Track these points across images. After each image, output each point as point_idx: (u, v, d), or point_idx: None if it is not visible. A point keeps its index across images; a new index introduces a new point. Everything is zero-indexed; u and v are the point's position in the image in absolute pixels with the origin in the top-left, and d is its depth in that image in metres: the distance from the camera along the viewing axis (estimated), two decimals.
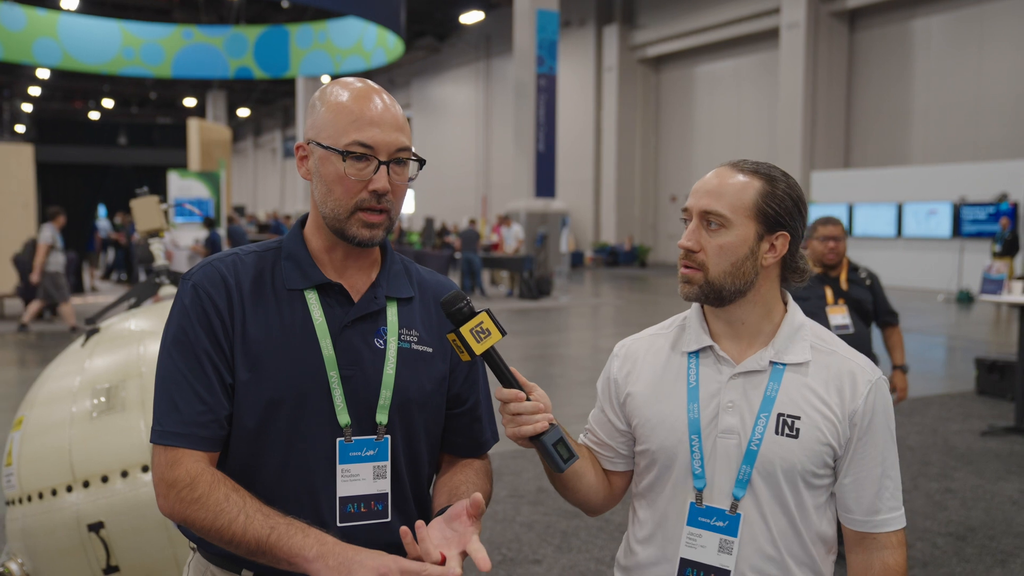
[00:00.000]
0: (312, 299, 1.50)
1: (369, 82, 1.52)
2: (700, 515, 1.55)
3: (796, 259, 1.58)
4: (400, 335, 1.55)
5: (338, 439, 1.48)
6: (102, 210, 25.62)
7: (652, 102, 30.25)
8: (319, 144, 1.48)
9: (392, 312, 1.56)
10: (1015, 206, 17.25)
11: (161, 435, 1.42)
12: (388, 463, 1.52)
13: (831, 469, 1.54)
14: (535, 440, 1.49)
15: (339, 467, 1.48)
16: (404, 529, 1.36)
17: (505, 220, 19.30)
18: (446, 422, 1.65)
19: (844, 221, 20.84)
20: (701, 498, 1.55)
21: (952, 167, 19.37)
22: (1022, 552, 4.40)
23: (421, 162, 1.52)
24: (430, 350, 1.58)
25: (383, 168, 1.45)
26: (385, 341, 1.53)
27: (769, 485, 1.51)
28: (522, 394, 1.49)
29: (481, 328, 1.45)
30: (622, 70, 29.49)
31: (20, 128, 43.14)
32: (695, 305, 1.63)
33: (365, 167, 1.45)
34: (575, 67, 30.46)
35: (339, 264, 1.54)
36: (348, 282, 1.54)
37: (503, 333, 1.46)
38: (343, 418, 1.48)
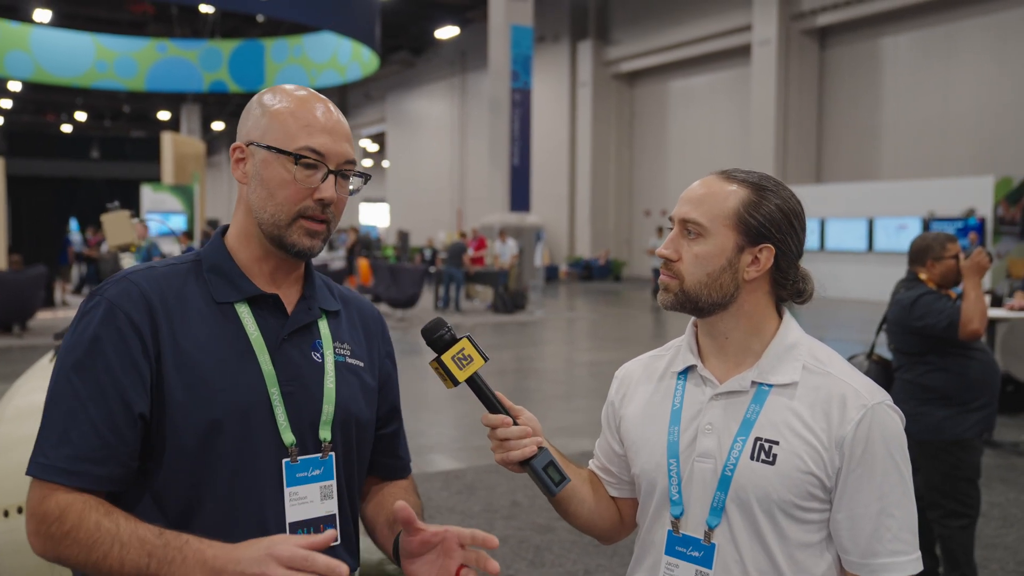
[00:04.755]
0: (244, 312, 1.41)
1: (313, 90, 1.47)
2: (677, 544, 1.48)
3: (790, 276, 1.49)
4: (335, 348, 1.49)
5: (284, 460, 1.38)
6: (74, 224, 25.33)
7: (626, 117, 30.46)
8: (263, 146, 1.40)
9: (324, 325, 1.49)
10: (983, 221, 17.53)
11: (44, 468, 1.27)
12: (334, 482, 1.44)
13: (822, 502, 1.41)
14: (525, 465, 1.46)
15: (287, 490, 1.38)
16: (402, 504, 1.31)
17: (501, 234, 19.29)
18: (376, 442, 1.59)
19: (815, 236, 21.09)
20: (678, 526, 1.48)
21: (921, 183, 19.66)
22: (991, 563, 4.46)
23: (366, 178, 1.47)
24: (362, 364, 1.53)
25: (331, 177, 1.40)
26: (322, 354, 1.46)
27: (743, 514, 1.42)
28: (509, 419, 1.46)
29: (463, 355, 1.42)
30: (596, 85, 29.69)
31: None
32: (689, 325, 1.57)
33: (313, 174, 1.39)
34: (550, 82, 30.62)
35: (269, 276, 1.45)
36: (280, 294, 1.46)
37: (485, 359, 1.44)
38: (287, 437, 1.38)
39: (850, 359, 4.05)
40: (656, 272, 1.64)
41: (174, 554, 1.22)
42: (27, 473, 1.29)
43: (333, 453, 1.44)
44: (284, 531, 1.37)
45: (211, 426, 1.34)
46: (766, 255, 1.46)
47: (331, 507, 1.43)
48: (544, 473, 1.46)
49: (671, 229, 1.51)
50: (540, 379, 10.54)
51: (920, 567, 1.41)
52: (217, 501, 1.35)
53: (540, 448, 1.47)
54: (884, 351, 4.13)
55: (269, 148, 1.39)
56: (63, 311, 16.67)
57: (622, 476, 1.66)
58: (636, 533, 1.64)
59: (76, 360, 1.32)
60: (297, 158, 1.38)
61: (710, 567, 1.44)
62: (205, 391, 1.34)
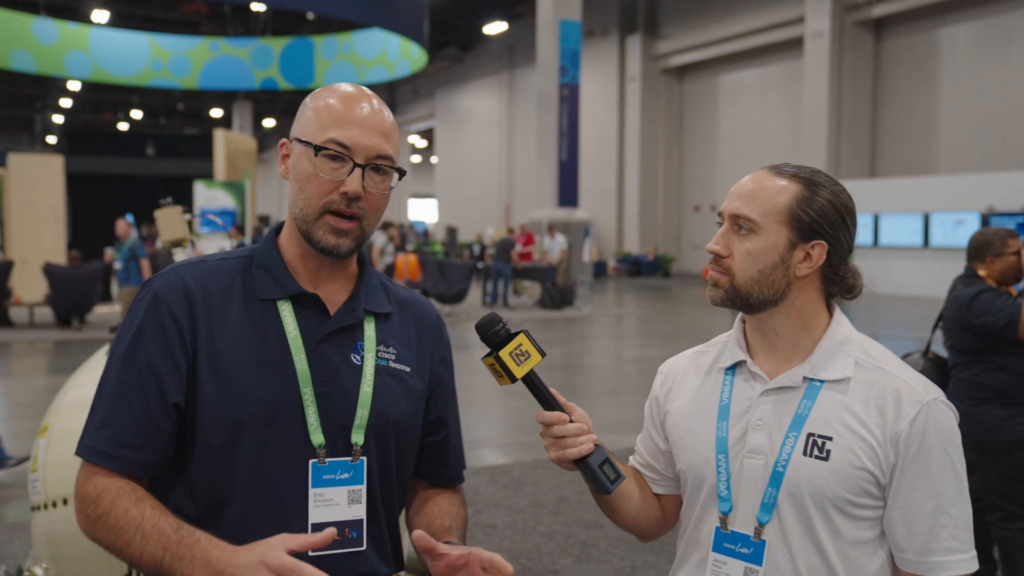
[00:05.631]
0: (286, 311, 1.41)
1: (363, 88, 1.45)
2: (725, 540, 1.45)
3: (841, 272, 1.46)
4: (378, 352, 1.46)
5: (311, 460, 1.37)
6: (130, 219, 25.97)
7: (675, 111, 30.19)
8: (298, 140, 1.41)
9: (370, 327, 1.47)
10: None
11: (87, 450, 1.33)
12: (364, 487, 1.42)
13: (875, 498, 1.39)
14: (580, 463, 1.43)
15: (312, 491, 1.37)
16: (420, 533, 1.30)
17: (550, 230, 19.29)
18: (423, 449, 1.56)
19: (869, 231, 20.69)
20: (726, 522, 1.45)
21: (980, 176, 19.17)
22: None
23: (401, 173, 1.44)
24: (408, 369, 1.49)
25: (357, 171, 1.37)
26: (362, 357, 1.44)
27: (796, 510, 1.39)
28: (565, 416, 1.43)
29: (520, 351, 1.39)
30: (645, 80, 29.47)
31: (51, 139, 43.81)
32: (737, 319, 1.55)
33: (339, 167, 1.37)
34: (598, 77, 30.48)
35: (314, 274, 1.45)
36: (324, 294, 1.45)
37: (543, 355, 1.41)
38: (317, 438, 1.38)
39: (904, 357, 3.95)
40: None
41: (185, 551, 1.23)
42: (75, 453, 1.35)
43: (365, 457, 1.42)
44: (306, 531, 1.35)
45: (238, 422, 1.35)
46: (818, 251, 1.43)
47: (359, 512, 1.41)
48: (600, 471, 1.43)
49: (720, 224, 1.49)
50: (588, 375, 10.50)
51: (976, 566, 1.38)
52: (242, 497, 1.36)
53: (596, 445, 1.44)
54: (940, 349, 4.02)
55: (300, 141, 1.40)
56: (120, 305, 17.05)
57: (666, 472, 1.64)
58: (679, 530, 1.62)
59: (122, 349, 1.37)
60: (318, 150, 1.37)
61: (760, 564, 1.42)
62: (235, 388, 1.35)
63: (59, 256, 14.49)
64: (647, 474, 1.66)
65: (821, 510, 1.38)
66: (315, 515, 1.37)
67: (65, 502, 2.70)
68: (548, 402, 1.45)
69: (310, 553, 1.29)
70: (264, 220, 28.22)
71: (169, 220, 3.97)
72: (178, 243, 3.95)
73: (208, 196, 17.63)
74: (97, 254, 16.76)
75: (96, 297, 14.20)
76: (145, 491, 1.33)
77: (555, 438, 1.44)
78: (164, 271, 1.43)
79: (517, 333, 1.41)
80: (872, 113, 23.33)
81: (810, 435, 1.40)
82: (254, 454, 1.36)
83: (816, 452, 1.39)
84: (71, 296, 13.30)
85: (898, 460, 1.37)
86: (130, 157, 32.94)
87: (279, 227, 1.50)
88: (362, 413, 1.42)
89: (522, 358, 1.40)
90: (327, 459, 1.39)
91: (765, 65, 26.46)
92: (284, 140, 1.46)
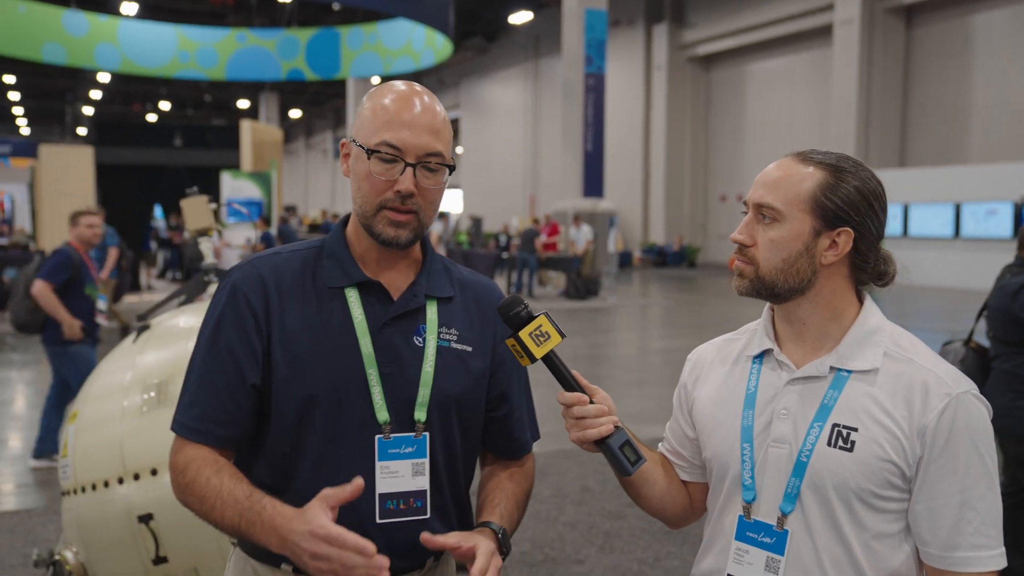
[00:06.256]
0: (352, 297, 1.52)
1: (416, 85, 1.53)
2: (748, 529, 1.45)
3: (870, 259, 1.44)
4: (439, 333, 1.55)
5: (377, 436, 1.49)
6: (158, 210, 26.17)
7: (702, 101, 29.96)
8: (355, 142, 1.50)
9: (432, 310, 1.56)
10: None
11: (178, 425, 1.49)
12: (427, 460, 1.52)
13: (901, 491, 1.37)
14: (601, 444, 1.45)
15: (378, 464, 1.49)
16: (426, 536, 1.43)
17: (576, 220, 19.26)
18: (489, 423, 1.65)
19: (898, 221, 20.44)
20: (750, 511, 1.45)
21: (1013, 166, 18.86)
22: None
23: (451, 168, 1.52)
24: (470, 349, 1.58)
25: (409, 170, 1.46)
26: (424, 339, 1.53)
27: (819, 501, 1.38)
28: (585, 397, 1.45)
29: (540, 332, 1.43)
30: (671, 69, 29.26)
31: (82, 130, 44.29)
32: (765, 308, 1.54)
33: (392, 168, 1.46)
34: (624, 66, 30.30)
35: (378, 263, 1.55)
36: (387, 280, 1.55)
37: (563, 336, 1.44)
38: (382, 415, 1.49)
39: (946, 345, 3.88)
40: None
41: (255, 517, 1.36)
42: (170, 428, 1.51)
43: (428, 433, 1.52)
44: (373, 500, 1.48)
45: (308, 400, 1.47)
46: (844, 239, 1.41)
47: (422, 483, 1.52)
48: (620, 452, 1.44)
49: (745, 213, 1.47)
50: (613, 365, 10.48)
51: (1004, 563, 1.35)
52: (311, 467, 1.48)
53: (616, 427, 1.45)
54: (984, 338, 3.94)
55: (356, 144, 1.50)
56: (148, 295, 17.24)
57: (693, 460, 1.63)
58: (705, 519, 1.61)
59: (206, 336, 1.52)
60: (371, 153, 1.46)
61: (782, 554, 1.41)
62: (305, 368, 1.48)
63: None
64: (675, 461, 1.66)
65: (844, 501, 1.37)
66: (381, 486, 1.49)
67: (94, 487, 2.73)
68: (569, 383, 1.46)
69: (378, 520, 1.47)
70: (290, 210, 28.43)
71: (195, 209, 4.00)
72: (204, 232, 3.98)
73: (235, 187, 17.73)
74: (126, 243, 16.91)
75: (126, 286, 14.35)
76: (226, 461, 1.47)
77: (575, 419, 1.45)
78: (241, 263, 1.56)
79: (538, 315, 1.45)
80: (902, 101, 23.01)
81: (835, 425, 1.38)
82: (324, 429, 1.48)
83: (840, 443, 1.37)
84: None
85: (924, 453, 1.34)
86: (158, 148, 33.21)
87: (346, 219, 1.61)
88: (424, 392, 1.52)
89: (542, 339, 1.43)
90: (392, 435, 1.50)
91: (793, 54, 26.17)
92: (344, 140, 1.55)
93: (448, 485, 1.57)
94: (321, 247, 1.58)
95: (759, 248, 1.43)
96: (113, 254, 11.54)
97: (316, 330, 1.49)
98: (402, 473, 1.50)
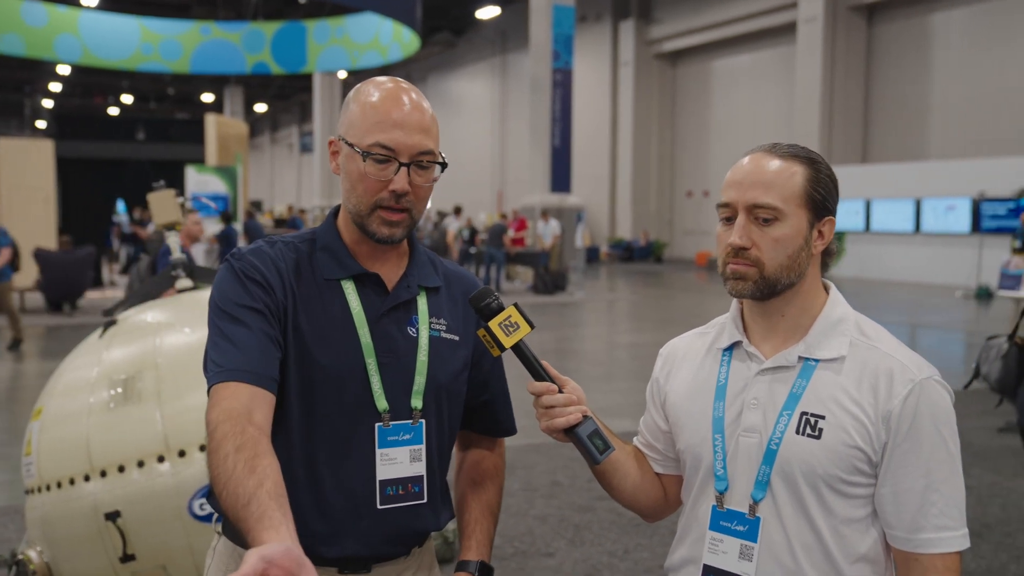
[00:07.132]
0: (349, 289, 1.55)
1: (402, 82, 1.54)
2: (721, 519, 1.47)
3: (833, 243, 1.51)
4: (430, 324, 1.60)
5: (376, 424, 1.52)
6: (121, 205, 25.80)
7: (668, 97, 30.13)
8: (346, 142, 1.51)
9: (423, 301, 1.61)
10: None
11: (213, 375, 1.41)
12: (423, 446, 1.56)
13: (867, 476, 1.40)
14: (570, 433, 1.47)
15: (378, 451, 1.52)
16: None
17: (543, 214, 19.28)
18: (475, 409, 1.71)
19: (860, 216, 20.73)
20: (723, 500, 1.47)
21: (972, 162, 19.21)
22: None
23: (443, 165, 1.55)
24: (456, 338, 1.63)
25: (403, 170, 1.48)
26: (417, 329, 1.58)
27: (789, 488, 1.41)
28: (554, 386, 1.47)
29: (510, 322, 1.46)
30: (638, 65, 29.39)
31: (41, 124, 43.53)
32: (734, 302, 1.55)
33: (386, 168, 1.48)
34: (591, 62, 30.38)
35: (370, 255, 1.58)
36: (380, 272, 1.58)
37: (532, 326, 1.47)
38: (381, 404, 1.52)
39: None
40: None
41: (241, 525, 1.27)
42: (209, 384, 1.42)
43: (423, 420, 1.57)
44: (374, 487, 1.51)
45: (309, 390, 1.49)
46: (828, 227, 1.46)
47: (419, 469, 1.56)
48: (589, 441, 1.47)
49: (731, 219, 1.45)
50: (580, 360, 10.53)
51: (967, 544, 1.39)
52: (311, 454, 1.50)
53: (585, 416, 1.48)
54: None
55: (347, 143, 1.51)
56: (111, 290, 17.00)
57: (667, 452, 1.65)
58: (680, 511, 1.63)
59: (230, 304, 1.46)
60: (366, 155, 1.47)
61: (755, 541, 1.43)
62: (308, 359, 1.49)
63: (50, 241, 14.40)
64: (649, 454, 1.68)
65: (813, 488, 1.40)
66: (382, 472, 1.52)
67: (59, 485, 2.70)
68: (538, 373, 1.49)
69: (379, 506, 1.50)
70: (256, 205, 28.16)
71: (162, 204, 3.95)
72: (171, 226, 3.94)
73: (200, 181, 17.54)
74: (88, 239, 16.67)
75: (87, 282, 14.14)
76: (253, 433, 1.33)
77: (545, 408, 1.47)
78: (249, 247, 1.55)
79: (508, 306, 1.48)
80: (864, 98, 23.32)
81: (803, 414, 1.41)
82: (324, 418, 1.50)
83: (808, 430, 1.40)
84: (62, 281, 13.26)
85: (889, 438, 1.38)
86: (121, 142, 32.71)
87: (337, 210, 1.62)
88: (420, 380, 1.56)
89: (511, 329, 1.46)
90: (391, 422, 1.53)
91: (758, 50, 26.41)
92: (332, 138, 1.56)
93: (438, 470, 1.62)
94: (313, 239, 1.59)
95: (762, 249, 1.42)
96: (5, 254, 10.67)
97: (318, 322, 1.51)
98: (400, 460, 1.54)
